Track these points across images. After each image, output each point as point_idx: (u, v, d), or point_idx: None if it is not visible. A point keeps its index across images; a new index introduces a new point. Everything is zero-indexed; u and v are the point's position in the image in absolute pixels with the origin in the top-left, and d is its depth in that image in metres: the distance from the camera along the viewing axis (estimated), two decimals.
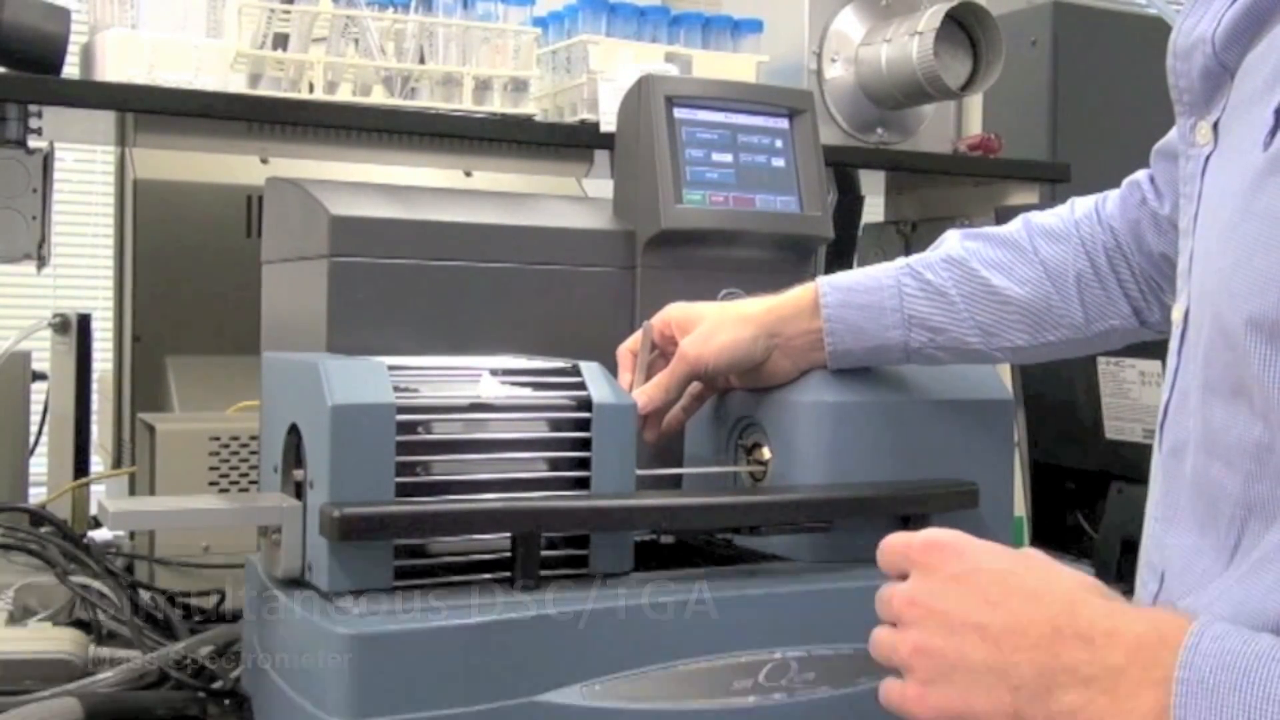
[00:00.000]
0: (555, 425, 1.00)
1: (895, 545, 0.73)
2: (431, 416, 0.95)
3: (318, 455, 0.93)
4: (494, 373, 1.00)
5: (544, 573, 0.96)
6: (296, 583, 0.98)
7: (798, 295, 1.08)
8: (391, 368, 0.95)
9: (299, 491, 0.97)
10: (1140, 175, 1.05)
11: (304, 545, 0.95)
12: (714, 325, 1.08)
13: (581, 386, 1.00)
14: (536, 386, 1.00)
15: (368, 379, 0.93)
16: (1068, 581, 0.66)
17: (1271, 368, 0.63)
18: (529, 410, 0.99)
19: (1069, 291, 1.04)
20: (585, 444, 0.99)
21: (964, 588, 0.67)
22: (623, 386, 1.07)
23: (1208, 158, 0.76)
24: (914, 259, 1.08)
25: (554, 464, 1.00)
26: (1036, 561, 0.69)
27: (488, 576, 0.96)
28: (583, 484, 1.00)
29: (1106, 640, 0.61)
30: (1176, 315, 0.79)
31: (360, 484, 0.91)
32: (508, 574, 0.96)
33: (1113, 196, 1.07)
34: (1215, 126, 0.75)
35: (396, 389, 0.94)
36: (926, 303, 1.05)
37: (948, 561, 0.69)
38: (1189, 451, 0.72)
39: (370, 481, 0.92)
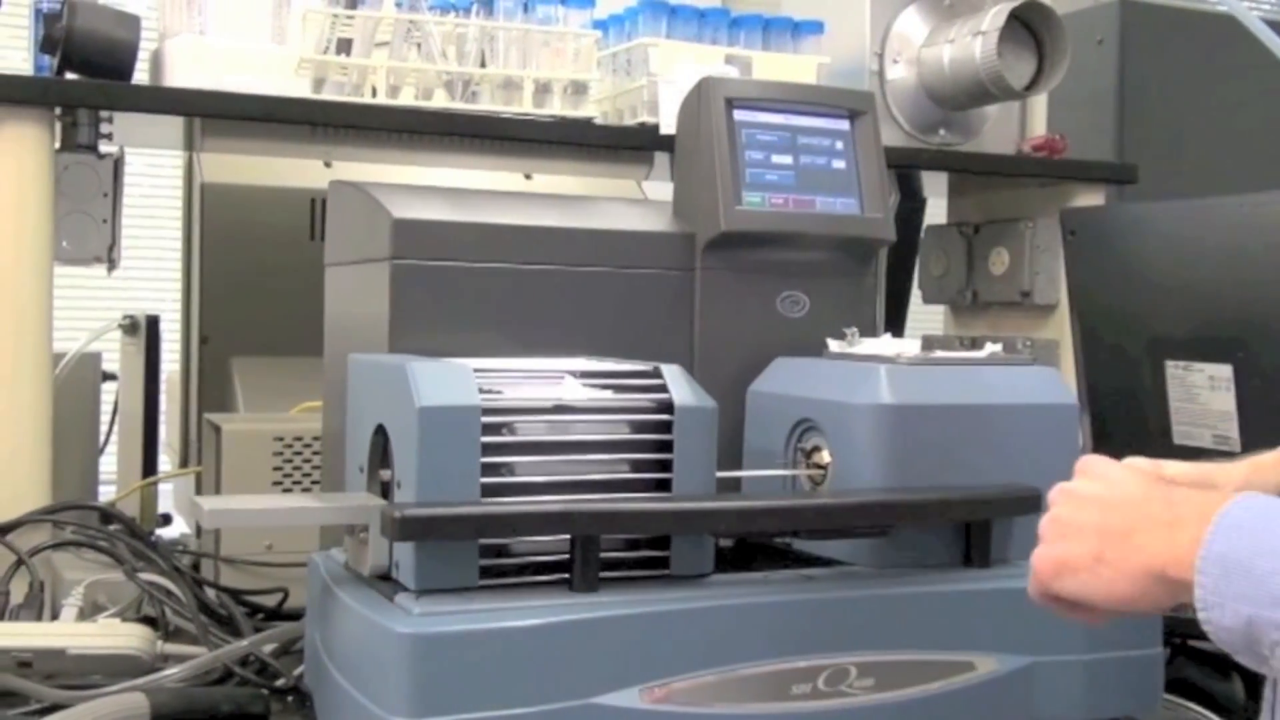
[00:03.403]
0: (637, 427, 1.01)
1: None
2: (515, 418, 0.97)
3: (405, 456, 0.95)
4: (576, 375, 1.01)
5: (626, 574, 0.98)
6: (363, 580, 0.99)
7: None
8: (475, 370, 0.97)
9: (385, 491, 0.99)
10: None
11: (391, 543, 0.97)
12: None
13: (663, 389, 1.01)
14: (618, 389, 1.01)
15: (454, 381, 0.95)
16: (1184, 482, 0.87)
17: None
18: (611, 412, 1.00)
19: None
20: (667, 446, 1.00)
21: (1096, 479, 0.83)
22: None
23: None
24: None
25: (635, 466, 1.01)
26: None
27: (567, 576, 0.97)
28: (664, 486, 1.00)
29: (1184, 500, 0.78)
30: None
31: (446, 484, 0.93)
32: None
33: None
34: None
35: (481, 391, 0.95)
36: None
37: (1093, 465, 0.85)
38: None
39: (456, 481, 0.93)
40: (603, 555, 0.98)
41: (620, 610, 0.93)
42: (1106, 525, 0.79)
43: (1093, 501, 0.81)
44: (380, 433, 1.00)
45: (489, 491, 0.94)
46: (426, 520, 0.91)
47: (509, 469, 0.96)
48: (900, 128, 1.79)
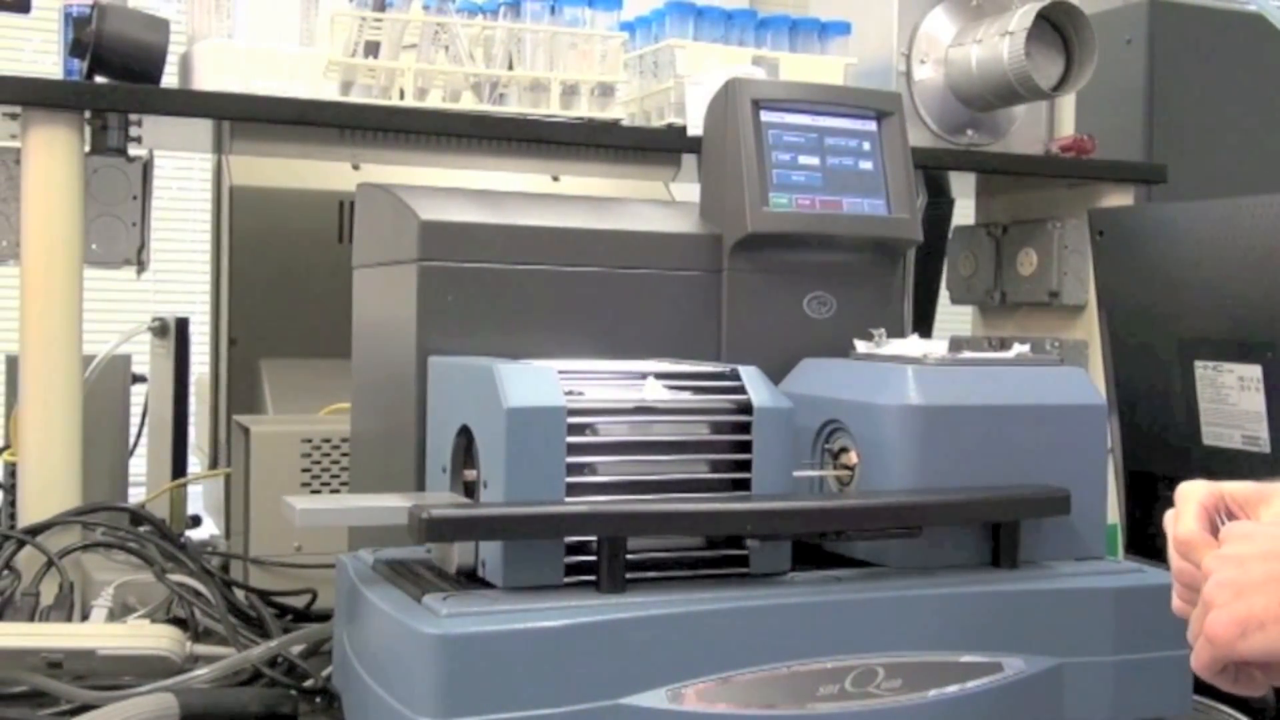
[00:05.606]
0: (716, 428, 1.02)
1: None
2: (598, 419, 0.98)
3: (492, 456, 0.96)
4: (657, 376, 1.02)
5: (704, 572, 1.00)
6: (390, 581, 1.00)
7: None
8: (559, 371, 0.99)
9: (469, 491, 1.01)
10: None
11: (477, 542, 0.98)
12: None
13: (741, 390, 1.03)
14: (697, 390, 1.03)
15: (539, 382, 0.97)
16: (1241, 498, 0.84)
17: None
18: (691, 413, 1.02)
19: None
20: (745, 446, 1.02)
21: (1247, 538, 0.81)
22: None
23: None
24: None
25: (714, 466, 1.02)
26: None
27: (661, 575, 0.99)
28: (743, 485, 1.02)
29: None
30: None
31: (533, 484, 0.95)
32: (689, 573, 0.99)
33: None
34: None
35: (564, 392, 0.97)
36: None
37: (1236, 528, 0.83)
38: None
39: (542, 481, 0.95)
40: (685, 554, 1.01)
41: (645, 611, 0.93)
42: None
43: (1257, 557, 0.79)
44: (464, 434, 1.02)
45: (573, 491, 0.97)
46: (452, 521, 0.93)
47: (591, 469, 0.98)
48: (928, 128, 1.78)
